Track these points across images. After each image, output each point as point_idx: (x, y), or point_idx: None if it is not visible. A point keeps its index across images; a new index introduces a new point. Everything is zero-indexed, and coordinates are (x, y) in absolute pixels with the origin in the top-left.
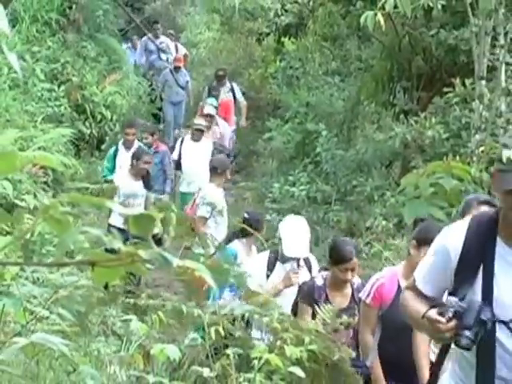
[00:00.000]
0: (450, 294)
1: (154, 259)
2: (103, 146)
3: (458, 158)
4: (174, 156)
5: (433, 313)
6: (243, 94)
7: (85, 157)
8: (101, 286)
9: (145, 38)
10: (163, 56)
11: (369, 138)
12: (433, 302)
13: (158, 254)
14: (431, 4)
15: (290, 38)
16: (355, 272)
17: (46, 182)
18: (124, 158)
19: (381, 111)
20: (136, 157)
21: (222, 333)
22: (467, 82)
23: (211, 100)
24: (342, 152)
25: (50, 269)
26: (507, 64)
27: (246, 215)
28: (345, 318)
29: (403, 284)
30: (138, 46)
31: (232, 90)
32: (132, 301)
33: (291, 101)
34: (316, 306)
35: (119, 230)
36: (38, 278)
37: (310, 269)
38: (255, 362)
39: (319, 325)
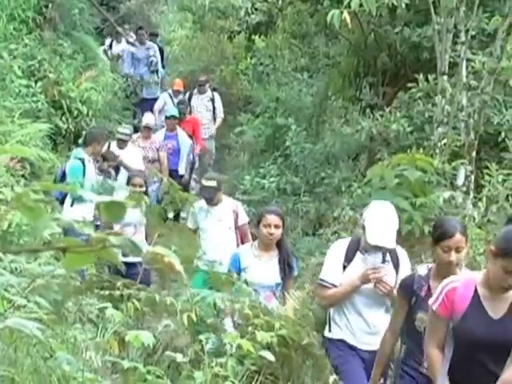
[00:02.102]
0: None
1: (124, 245)
2: (80, 141)
3: (421, 150)
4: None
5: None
6: (214, 89)
7: (62, 151)
8: (77, 275)
9: (132, 48)
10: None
11: (336, 132)
12: None
13: (127, 241)
14: (395, 3)
15: (260, 36)
16: (461, 255)
17: (23, 175)
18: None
19: (348, 106)
20: (127, 181)
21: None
22: (430, 77)
23: (173, 109)
24: (311, 145)
25: (28, 259)
26: (468, 60)
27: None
28: None
29: (481, 292)
30: (125, 55)
31: (212, 100)
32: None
33: (262, 96)
34: (414, 299)
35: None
36: (16, 268)
37: (396, 266)
38: (227, 347)
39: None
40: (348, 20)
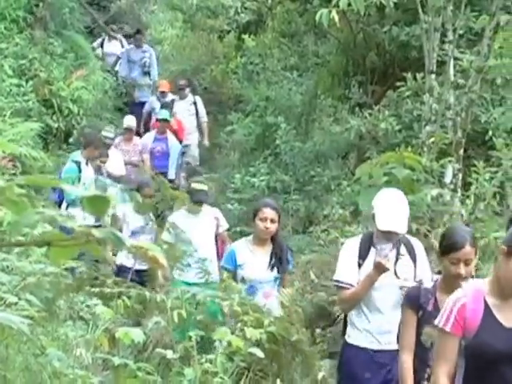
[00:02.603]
0: None
1: (107, 238)
2: (70, 140)
3: (409, 148)
4: None
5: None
6: (205, 88)
7: (53, 150)
8: (68, 273)
9: (128, 48)
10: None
11: (326, 131)
12: None
13: (111, 234)
14: (384, 2)
15: (249, 35)
16: (470, 267)
17: (14, 174)
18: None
19: (337, 105)
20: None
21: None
22: (418, 76)
23: (164, 112)
24: (300, 144)
25: (19, 257)
26: (455, 59)
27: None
28: None
29: (491, 302)
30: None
31: (195, 103)
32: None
33: (251, 95)
34: (421, 313)
35: (129, 270)
36: (8, 266)
37: (413, 258)
38: (217, 343)
39: None
40: (336, 19)
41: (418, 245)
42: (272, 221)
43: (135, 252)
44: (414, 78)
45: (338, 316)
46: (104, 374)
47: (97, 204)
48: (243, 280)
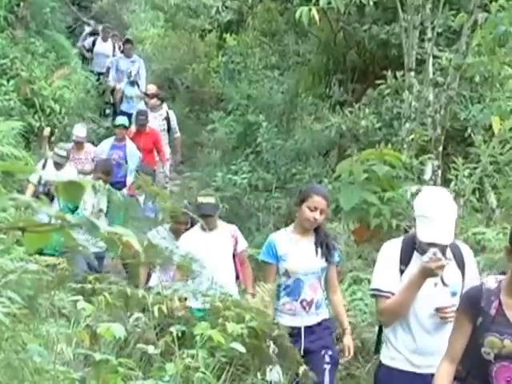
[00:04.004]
0: None
1: (82, 225)
2: (52, 138)
3: (389, 145)
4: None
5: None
6: (187, 87)
7: (35, 149)
8: (49, 270)
9: (117, 57)
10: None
11: (307, 129)
12: None
13: (86, 220)
14: (363, 0)
15: (231, 34)
16: None
17: None
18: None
19: (318, 103)
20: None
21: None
22: (398, 74)
23: (122, 118)
24: (282, 142)
25: (0, 254)
26: (434, 57)
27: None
28: None
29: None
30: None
31: (167, 118)
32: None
33: (233, 94)
34: (481, 319)
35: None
36: None
37: (461, 265)
38: (197, 338)
39: None
40: (317, 17)
41: (466, 249)
42: (322, 211)
43: (110, 238)
44: (394, 76)
45: None
46: (85, 369)
47: (71, 191)
48: (286, 273)
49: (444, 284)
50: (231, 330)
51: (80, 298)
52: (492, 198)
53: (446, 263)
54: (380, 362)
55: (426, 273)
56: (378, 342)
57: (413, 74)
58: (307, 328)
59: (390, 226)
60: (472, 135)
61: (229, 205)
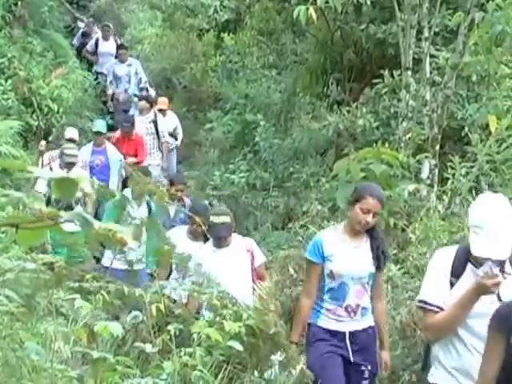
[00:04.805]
0: None
1: (74, 220)
2: (50, 138)
3: (387, 144)
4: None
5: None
6: (184, 87)
7: (32, 148)
8: (47, 268)
9: (112, 64)
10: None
11: (304, 128)
12: None
13: (78, 216)
14: (361, 0)
15: (228, 34)
16: None
17: None
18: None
19: (315, 102)
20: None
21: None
22: (395, 73)
23: (99, 124)
24: (280, 141)
25: None
26: (431, 56)
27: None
28: None
29: None
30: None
31: (155, 122)
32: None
33: (231, 93)
34: None
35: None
36: None
37: None
38: (195, 336)
39: None
40: (314, 16)
41: None
42: (374, 214)
43: (103, 234)
44: (391, 76)
45: None
46: (83, 368)
47: (65, 187)
48: (331, 275)
49: (500, 301)
50: (229, 329)
51: (78, 296)
52: None
53: (504, 278)
54: (427, 381)
55: (481, 290)
56: (426, 359)
57: (410, 73)
58: (351, 333)
59: (388, 225)
60: (469, 134)
61: (226, 204)
